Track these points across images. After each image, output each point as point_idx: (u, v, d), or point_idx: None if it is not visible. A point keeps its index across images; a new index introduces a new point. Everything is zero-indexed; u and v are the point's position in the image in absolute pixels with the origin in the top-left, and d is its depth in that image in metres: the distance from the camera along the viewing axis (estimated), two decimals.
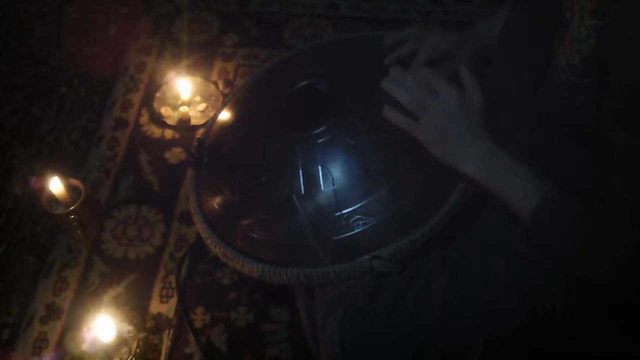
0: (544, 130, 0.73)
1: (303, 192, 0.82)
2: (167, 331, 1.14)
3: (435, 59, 0.87)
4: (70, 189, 1.21)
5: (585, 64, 0.63)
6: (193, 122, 1.44)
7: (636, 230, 0.60)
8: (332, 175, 0.81)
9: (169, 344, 1.13)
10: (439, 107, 0.75)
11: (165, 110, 1.45)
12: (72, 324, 1.16)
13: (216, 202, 0.91)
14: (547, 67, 0.71)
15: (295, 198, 0.81)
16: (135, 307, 1.17)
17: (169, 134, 1.44)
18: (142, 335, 1.11)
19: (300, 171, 0.83)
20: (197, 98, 1.47)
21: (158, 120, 1.45)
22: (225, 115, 1.02)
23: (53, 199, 1.21)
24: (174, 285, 1.19)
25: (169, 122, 1.44)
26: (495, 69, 0.85)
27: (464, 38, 0.91)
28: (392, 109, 0.78)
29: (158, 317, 1.16)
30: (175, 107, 1.46)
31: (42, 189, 1.21)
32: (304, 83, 0.93)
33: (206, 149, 0.98)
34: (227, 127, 1.00)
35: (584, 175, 0.67)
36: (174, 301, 1.18)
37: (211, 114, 1.38)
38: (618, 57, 0.58)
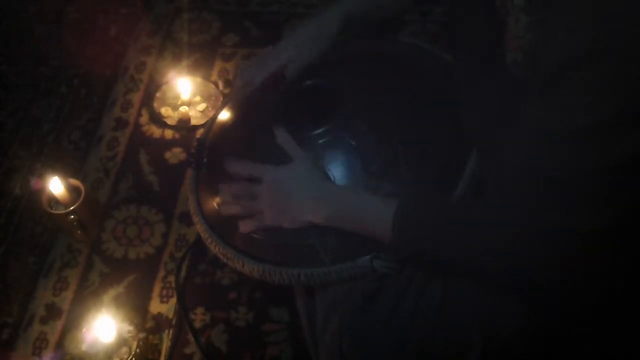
0: None
1: None
2: (167, 331, 1.14)
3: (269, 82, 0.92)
4: (70, 189, 1.20)
5: (528, 59, 0.63)
6: (193, 122, 1.44)
7: (522, 206, 0.62)
8: (333, 175, 0.81)
9: (169, 344, 1.13)
10: (264, 190, 0.82)
11: (165, 110, 1.45)
12: (72, 324, 1.16)
13: (216, 202, 0.91)
14: (493, 61, 0.71)
15: None
16: (135, 307, 1.17)
17: (169, 134, 1.44)
18: (142, 335, 1.10)
19: None
20: (197, 98, 1.47)
21: (158, 120, 1.45)
22: (225, 115, 1.02)
23: (53, 199, 1.21)
24: (174, 285, 1.19)
25: (169, 122, 1.44)
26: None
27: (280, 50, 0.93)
28: (228, 204, 0.88)
29: (158, 317, 1.16)
30: (175, 107, 1.46)
31: (42, 189, 1.21)
32: (305, 83, 0.93)
33: (206, 149, 0.97)
34: (227, 127, 1.00)
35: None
36: (174, 301, 1.18)
37: (211, 114, 1.37)
38: (549, 48, 0.58)
